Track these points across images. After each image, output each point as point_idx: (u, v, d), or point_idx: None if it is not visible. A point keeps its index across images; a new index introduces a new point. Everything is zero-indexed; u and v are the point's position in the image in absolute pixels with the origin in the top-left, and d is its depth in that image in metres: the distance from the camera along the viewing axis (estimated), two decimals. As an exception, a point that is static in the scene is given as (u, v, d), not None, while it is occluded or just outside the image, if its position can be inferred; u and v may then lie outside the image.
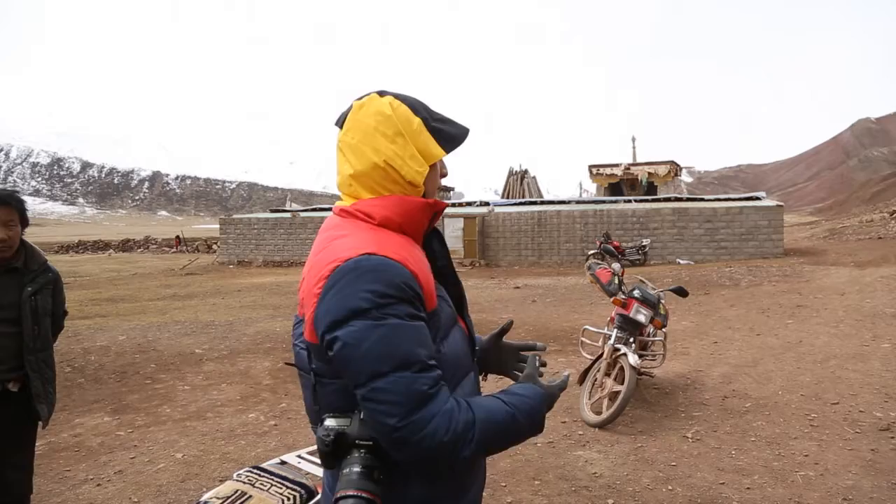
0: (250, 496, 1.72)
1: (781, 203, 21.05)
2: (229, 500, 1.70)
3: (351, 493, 1.05)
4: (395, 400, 1.07)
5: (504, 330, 1.57)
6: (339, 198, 1.35)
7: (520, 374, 1.49)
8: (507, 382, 1.80)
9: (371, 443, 1.12)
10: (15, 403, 2.70)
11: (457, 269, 1.42)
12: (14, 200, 2.65)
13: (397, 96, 1.29)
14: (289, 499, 1.73)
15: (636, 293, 5.18)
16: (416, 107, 1.30)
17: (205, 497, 1.72)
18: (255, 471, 1.86)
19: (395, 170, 1.24)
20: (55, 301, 2.90)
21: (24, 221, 2.72)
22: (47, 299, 2.81)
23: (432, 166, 1.31)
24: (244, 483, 1.79)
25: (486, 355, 1.55)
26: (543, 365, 1.43)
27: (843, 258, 17.38)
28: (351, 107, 1.30)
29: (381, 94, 1.30)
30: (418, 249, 1.28)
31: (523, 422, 1.20)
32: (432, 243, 1.37)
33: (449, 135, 1.29)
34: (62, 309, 3.03)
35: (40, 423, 2.80)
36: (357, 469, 1.09)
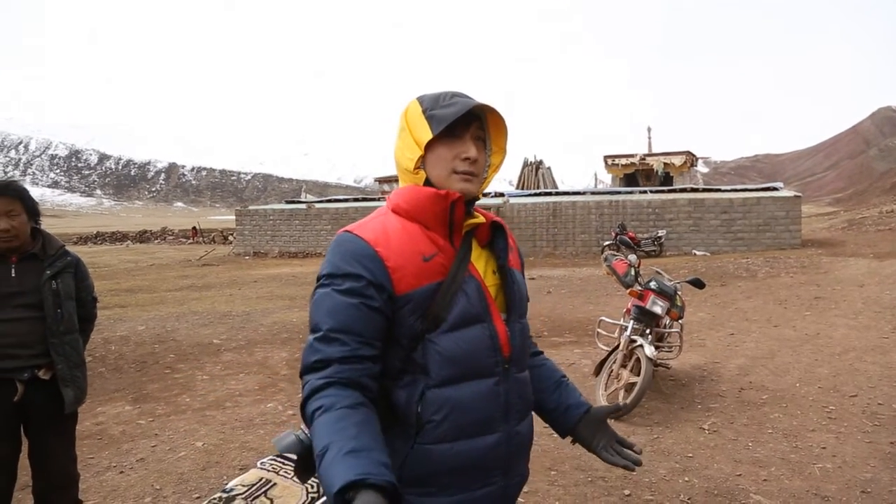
0: (275, 484, 1.75)
1: (799, 193, 20.76)
2: (254, 487, 1.73)
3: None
4: (303, 355, 1.26)
5: (614, 411, 1.60)
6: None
7: (609, 456, 1.49)
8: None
9: None
10: (48, 391, 2.74)
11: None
12: (12, 190, 2.61)
13: (422, 95, 1.38)
14: (312, 486, 1.76)
15: (653, 284, 5.16)
16: (426, 99, 1.36)
17: (230, 484, 1.76)
18: (280, 459, 1.89)
19: (398, 161, 1.39)
20: (80, 286, 2.91)
21: (31, 211, 2.67)
22: (69, 283, 2.82)
23: (434, 153, 1.33)
24: (268, 471, 1.82)
25: (586, 425, 1.54)
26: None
27: (862, 249, 17.15)
28: None
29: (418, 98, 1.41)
30: (425, 237, 1.30)
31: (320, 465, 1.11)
32: (496, 241, 1.40)
33: (440, 117, 1.30)
34: (90, 295, 3.02)
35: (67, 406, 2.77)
36: None
